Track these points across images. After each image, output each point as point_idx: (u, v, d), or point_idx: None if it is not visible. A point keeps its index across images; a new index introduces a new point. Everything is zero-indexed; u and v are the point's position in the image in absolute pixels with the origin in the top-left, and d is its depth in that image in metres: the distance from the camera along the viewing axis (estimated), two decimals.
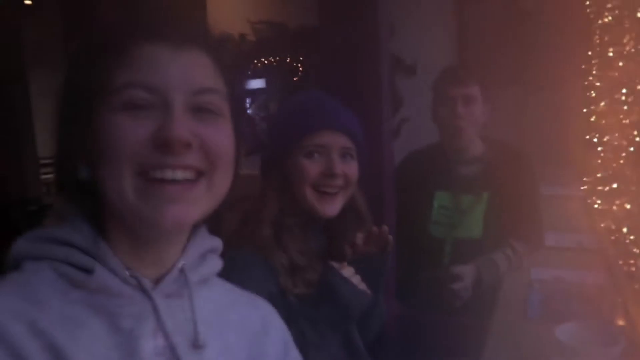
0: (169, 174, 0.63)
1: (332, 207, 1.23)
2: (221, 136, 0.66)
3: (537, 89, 3.27)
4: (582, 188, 2.85)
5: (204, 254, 0.73)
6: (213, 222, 0.74)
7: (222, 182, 0.67)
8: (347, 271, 1.18)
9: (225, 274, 1.13)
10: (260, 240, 1.18)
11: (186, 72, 0.64)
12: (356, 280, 1.17)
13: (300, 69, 3.90)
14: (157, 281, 0.67)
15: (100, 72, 0.63)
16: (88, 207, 0.68)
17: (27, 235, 0.67)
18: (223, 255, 1.19)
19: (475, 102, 1.89)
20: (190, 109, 0.64)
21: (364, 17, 1.92)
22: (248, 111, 4.23)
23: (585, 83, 2.90)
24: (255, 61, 4.04)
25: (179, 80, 0.63)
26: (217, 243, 0.76)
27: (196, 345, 0.67)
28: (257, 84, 4.17)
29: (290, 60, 3.91)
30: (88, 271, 0.63)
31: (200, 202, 0.66)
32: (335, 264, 1.18)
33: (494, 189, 1.90)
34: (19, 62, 5.38)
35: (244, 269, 1.15)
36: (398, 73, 3.45)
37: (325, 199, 1.22)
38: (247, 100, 4.22)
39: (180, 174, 0.63)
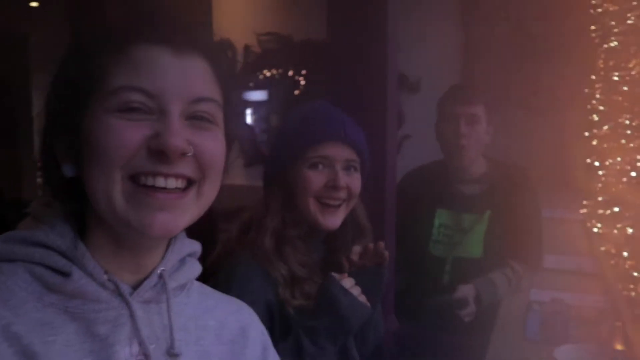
0: (161, 182, 0.62)
1: (334, 220, 1.22)
2: (214, 145, 0.66)
3: (539, 111, 3.28)
4: (581, 211, 2.85)
5: (183, 259, 0.73)
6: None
7: (210, 191, 0.67)
8: (348, 282, 1.17)
9: (225, 283, 1.12)
10: (261, 251, 1.18)
11: (185, 79, 0.63)
12: (356, 291, 1.17)
13: (302, 82, 3.90)
14: (136, 286, 0.67)
15: (97, 69, 0.62)
16: (71, 207, 0.67)
17: (2, 236, 0.66)
18: (222, 264, 1.19)
19: (479, 122, 1.89)
20: (186, 117, 0.64)
21: (373, 31, 1.93)
22: (249, 122, 4.23)
23: (588, 107, 2.90)
24: (258, 73, 4.05)
25: (178, 88, 0.63)
26: (196, 247, 0.76)
27: (171, 353, 0.66)
28: (259, 95, 4.17)
29: (292, 74, 3.92)
30: (65, 274, 0.62)
31: (188, 210, 0.65)
32: (336, 275, 1.17)
33: (495, 208, 1.90)
34: (24, 64, 5.39)
35: (243, 279, 1.14)
36: (401, 90, 3.46)
37: (328, 211, 1.22)
38: (249, 112, 4.22)
39: (172, 183, 0.63)
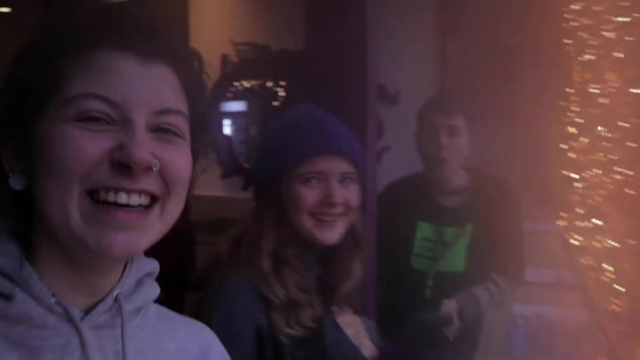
0: (123, 198, 0.57)
1: (332, 233, 1.15)
2: (181, 160, 0.62)
3: (517, 123, 3.29)
4: (559, 223, 2.85)
5: (141, 279, 0.68)
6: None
7: (175, 208, 0.63)
8: (346, 318, 1.11)
9: (214, 298, 1.07)
10: (259, 274, 1.10)
11: (151, 89, 0.59)
12: (352, 330, 1.11)
13: (281, 94, 3.87)
14: (88, 310, 0.61)
15: (55, 74, 0.58)
16: (16, 223, 0.62)
17: None
18: (211, 278, 1.12)
19: (460, 133, 1.87)
20: (151, 129, 0.59)
21: (352, 41, 1.90)
22: (227, 133, 4.18)
23: (565, 119, 2.92)
24: (236, 83, 4.01)
25: (143, 98, 0.58)
26: (154, 266, 0.70)
27: None
28: (237, 106, 4.13)
29: (271, 85, 3.89)
30: (7, 297, 0.57)
31: (151, 229, 0.61)
32: (335, 309, 1.11)
33: (477, 221, 1.88)
34: None
35: (233, 293, 1.08)
36: (380, 101, 3.44)
37: (325, 225, 1.14)
38: (227, 123, 4.18)
39: (135, 199, 0.58)
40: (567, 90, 2.89)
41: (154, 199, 0.60)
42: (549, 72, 3.15)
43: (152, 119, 0.59)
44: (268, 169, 1.19)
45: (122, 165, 0.56)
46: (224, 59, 4.03)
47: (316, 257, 1.21)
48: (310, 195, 1.13)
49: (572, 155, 2.81)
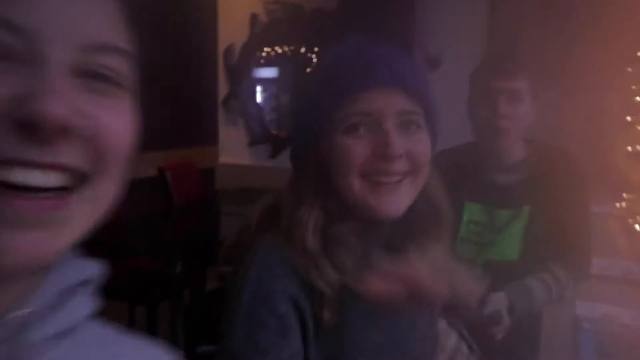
0: (33, 177, 0.37)
1: (394, 201, 0.83)
2: (120, 120, 0.44)
3: (573, 92, 2.98)
4: (619, 205, 2.56)
5: (71, 290, 0.47)
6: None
7: (109, 190, 0.44)
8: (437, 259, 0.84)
9: (241, 276, 0.83)
10: (303, 255, 0.83)
11: (77, 14, 0.41)
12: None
13: (315, 60, 3.68)
14: None
15: None
16: None
17: None
18: (242, 254, 0.88)
19: (522, 99, 1.58)
20: (76, 73, 0.40)
21: (397, 1, 1.63)
22: (257, 100, 4.03)
23: (633, 87, 2.60)
24: (268, 49, 3.83)
25: (65, 26, 0.40)
26: (91, 272, 0.49)
27: None
28: (268, 72, 3.97)
29: (304, 51, 3.70)
30: None
31: (74, 223, 0.41)
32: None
33: (537, 202, 1.60)
34: None
35: (262, 266, 0.84)
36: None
37: (382, 189, 0.83)
38: (258, 89, 4.03)
39: (48, 179, 0.39)
40: (638, 54, 2.57)
41: (79, 178, 0.41)
42: (613, 35, 2.82)
43: (78, 58, 0.40)
44: (304, 122, 0.90)
45: (28, 126, 0.37)
46: (254, 18, 3.82)
47: (379, 239, 0.88)
48: (358, 146, 0.83)
49: (639, 127, 2.51)
